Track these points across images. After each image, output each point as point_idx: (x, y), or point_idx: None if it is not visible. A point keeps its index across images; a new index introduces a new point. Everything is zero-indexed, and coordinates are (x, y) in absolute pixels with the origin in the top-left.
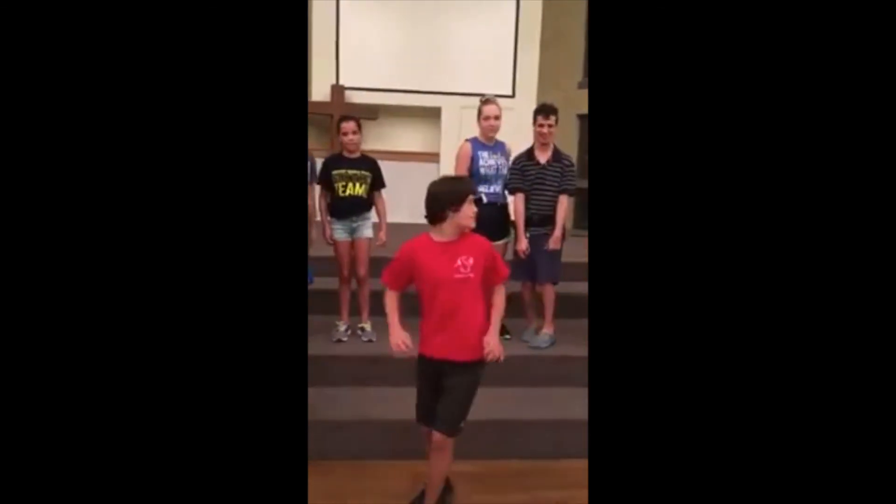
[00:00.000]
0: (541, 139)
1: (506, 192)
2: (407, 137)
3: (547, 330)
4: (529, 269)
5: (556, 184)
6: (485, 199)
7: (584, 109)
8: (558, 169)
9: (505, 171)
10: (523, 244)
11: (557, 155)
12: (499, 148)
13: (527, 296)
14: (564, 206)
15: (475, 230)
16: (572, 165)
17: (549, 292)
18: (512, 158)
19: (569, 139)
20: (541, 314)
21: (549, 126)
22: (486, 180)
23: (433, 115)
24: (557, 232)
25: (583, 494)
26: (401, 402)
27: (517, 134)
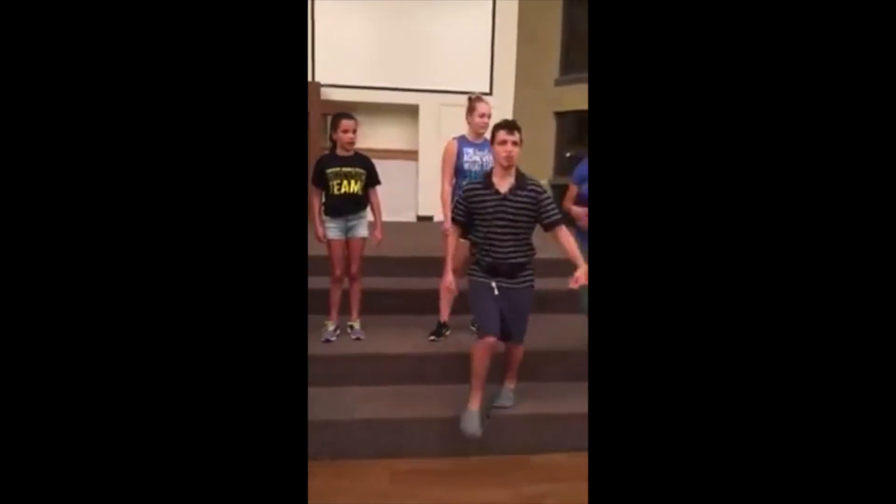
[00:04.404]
0: (503, 161)
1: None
2: (385, 135)
3: (510, 385)
4: (497, 318)
5: (524, 219)
6: None
7: (562, 107)
8: (525, 200)
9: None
10: (448, 278)
11: (522, 181)
12: (486, 146)
13: (485, 356)
14: (568, 236)
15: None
16: (546, 192)
17: (518, 352)
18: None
19: (546, 136)
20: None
21: (514, 143)
22: (470, 176)
23: (411, 112)
24: (584, 267)
25: (563, 487)
26: (381, 401)
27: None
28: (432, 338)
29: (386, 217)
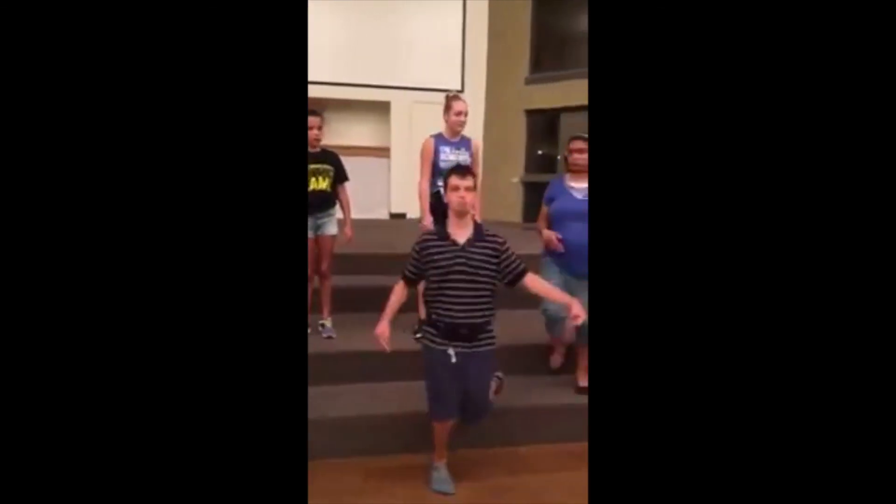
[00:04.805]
0: (456, 207)
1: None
2: (356, 132)
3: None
4: (454, 399)
5: (484, 272)
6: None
7: (532, 105)
8: (485, 252)
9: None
10: (381, 325)
11: (480, 232)
12: (463, 144)
13: (445, 432)
14: (538, 281)
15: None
16: (506, 243)
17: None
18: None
19: (517, 134)
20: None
21: (467, 189)
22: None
23: (382, 109)
24: (583, 314)
25: (533, 479)
26: (354, 399)
27: (465, 129)
28: (418, 335)
29: (358, 214)
